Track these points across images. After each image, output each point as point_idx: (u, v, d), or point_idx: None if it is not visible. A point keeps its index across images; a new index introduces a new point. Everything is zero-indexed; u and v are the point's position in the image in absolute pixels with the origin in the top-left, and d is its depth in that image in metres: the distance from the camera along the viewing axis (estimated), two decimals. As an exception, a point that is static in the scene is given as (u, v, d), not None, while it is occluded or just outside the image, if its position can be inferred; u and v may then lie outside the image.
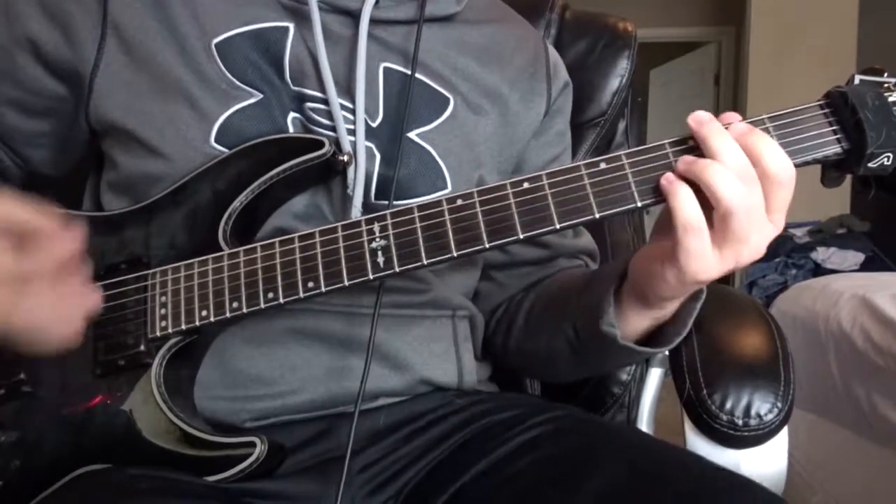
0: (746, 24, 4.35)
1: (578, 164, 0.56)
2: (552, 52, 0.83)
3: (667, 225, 0.55)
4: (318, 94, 0.67)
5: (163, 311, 0.60)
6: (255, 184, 0.63)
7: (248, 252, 0.60)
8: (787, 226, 3.64)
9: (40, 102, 0.70)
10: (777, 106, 0.56)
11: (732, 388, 0.71)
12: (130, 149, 0.67)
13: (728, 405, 0.70)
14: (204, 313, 0.59)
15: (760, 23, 4.23)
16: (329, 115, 0.67)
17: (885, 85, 0.55)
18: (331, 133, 0.66)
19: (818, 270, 3.33)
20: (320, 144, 0.63)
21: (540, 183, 0.56)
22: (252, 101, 0.66)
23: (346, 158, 0.65)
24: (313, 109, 0.67)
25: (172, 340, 0.60)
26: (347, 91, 0.68)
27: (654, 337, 0.67)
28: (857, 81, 0.56)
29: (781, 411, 0.70)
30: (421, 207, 0.57)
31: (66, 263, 0.52)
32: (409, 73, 0.70)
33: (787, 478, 0.75)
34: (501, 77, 0.77)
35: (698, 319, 0.65)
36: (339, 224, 0.59)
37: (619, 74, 1.03)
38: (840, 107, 0.54)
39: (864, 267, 3.31)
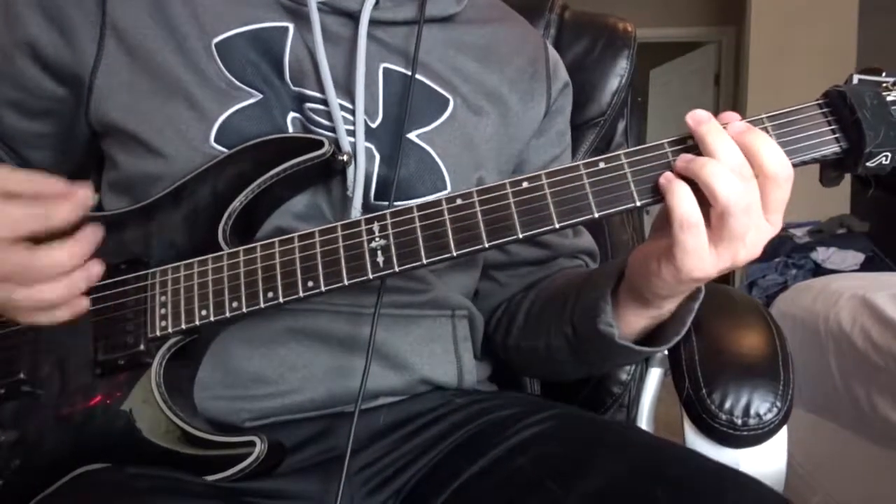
0: (746, 24, 4.35)
1: (577, 163, 0.56)
2: (552, 52, 0.83)
3: (665, 223, 0.55)
4: (318, 95, 0.67)
5: (163, 310, 0.60)
6: (255, 183, 0.63)
7: (247, 252, 0.60)
8: (787, 226, 3.67)
9: (40, 104, 0.70)
10: (777, 106, 0.55)
11: (732, 388, 0.71)
12: (130, 149, 0.67)
13: (727, 405, 0.70)
14: (204, 313, 0.59)
15: (760, 23, 4.23)
16: (329, 115, 0.67)
17: (884, 84, 0.55)
18: (330, 133, 0.67)
19: (818, 270, 3.33)
20: (320, 144, 0.63)
21: (539, 182, 0.56)
22: (252, 101, 0.66)
23: (345, 158, 0.65)
24: (313, 110, 0.67)
25: (172, 340, 0.61)
26: (347, 92, 0.68)
27: (652, 336, 0.67)
28: (855, 81, 0.56)
29: (781, 411, 0.70)
30: (420, 207, 0.58)
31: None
32: (408, 73, 0.70)
33: (787, 478, 0.75)
34: (501, 77, 0.77)
35: (697, 319, 0.65)
36: (338, 224, 0.59)
37: (618, 74, 1.03)
38: (838, 106, 0.54)
39: (864, 267, 3.31)
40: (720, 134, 0.53)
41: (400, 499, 0.66)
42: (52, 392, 0.61)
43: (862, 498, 1.60)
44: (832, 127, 0.55)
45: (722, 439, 0.71)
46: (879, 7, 4.25)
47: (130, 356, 0.60)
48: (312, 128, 0.67)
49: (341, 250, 0.58)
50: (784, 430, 0.72)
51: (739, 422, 0.70)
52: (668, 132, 0.55)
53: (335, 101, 0.66)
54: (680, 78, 5.41)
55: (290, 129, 0.67)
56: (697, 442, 0.72)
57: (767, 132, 0.54)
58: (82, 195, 0.54)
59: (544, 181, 0.56)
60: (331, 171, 0.66)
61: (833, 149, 0.55)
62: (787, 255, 3.48)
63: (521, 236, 0.56)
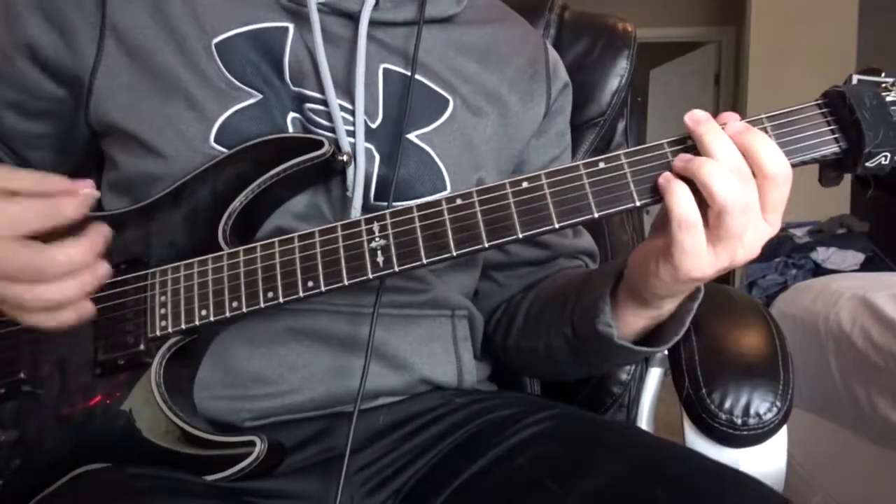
0: (746, 24, 4.35)
1: (577, 163, 0.56)
2: (552, 52, 0.83)
3: (664, 223, 0.55)
4: (318, 95, 0.67)
5: (163, 310, 0.60)
6: (255, 183, 0.63)
7: (247, 252, 0.60)
8: (787, 226, 3.67)
9: (40, 105, 0.70)
10: (777, 106, 0.56)
11: (732, 388, 0.71)
12: (130, 149, 0.67)
13: (727, 404, 0.70)
14: (203, 313, 0.59)
15: (760, 23, 4.24)
16: (328, 115, 0.67)
17: (883, 85, 0.55)
18: (330, 134, 0.67)
19: (818, 270, 3.33)
20: (320, 144, 0.63)
21: (539, 182, 0.56)
22: (252, 101, 0.66)
23: (345, 158, 0.65)
24: (313, 110, 0.67)
25: (172, 340, 0.61)
26: (347, 92, 0.68)
27: (652, 336, 0.67)
28: (854, 81, 0.56)
29: (781, 411, 0.70)
30: (420, 207, 0.58)
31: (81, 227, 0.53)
32: (408, 74, 0.70)
33: (787, 478, 0.75)
34: (501, 78, 0.77)
35: (697, 319, 0.65)
36: (338, 224, 0.59)
37: (618, 74, 1.03)
38: (838, 106, 0.54)
39: (864, 267, 3.31)
40: (718, 134, 0.53)
41: (399, 498, 0.66)
42: (52, 392, 0.61)
43: (862, 498, 1.60)
44: (831, 127, 0.55)
45: (722, 439, 0.71)
46: (879, 7, 4.25)
47: (130, 356, 0.60)
48: (312, 128, 0.67)
49: (341, 250, 0.58)
50: (784, 430, 0.72)
51: (739, 421, 0.70)
52: (668, 132, 0.55)
53: (335, 101, 0.66)
54: (680, 78, 5.41)
55: (290, 130, 0.67)
56: (697, 442, 0.72)
57: (767, 132, 0.54)
58: (87, 191, 0.53)
59: (544, 181, 0.56)
60: (331, 171, 0.66)
61: (832, 149, 0.55)
62: (787, 255, 3.49)
63: (520, 236, 0.56)
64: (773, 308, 1.92)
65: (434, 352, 0.72)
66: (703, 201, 0.53)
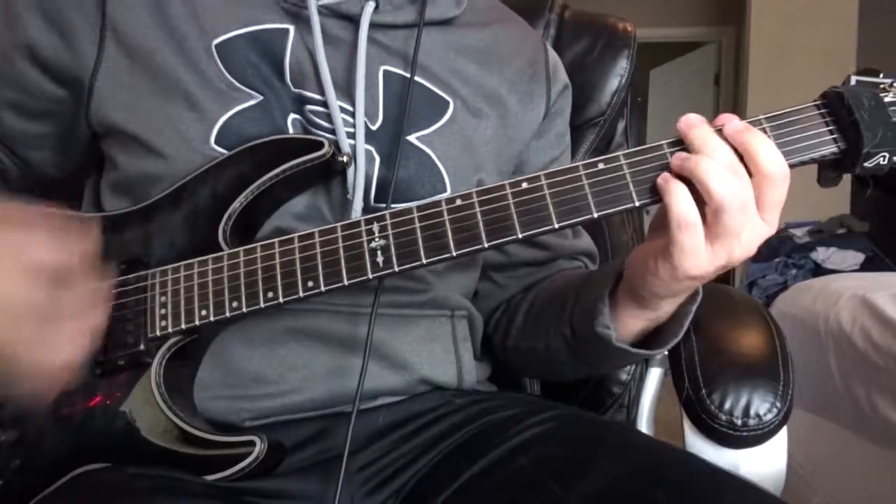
0: (746, 24, 4.35)
1: (577, 164, 0.56)
2: (552, 53, 0.83)
3: (663, 222, 0.56)
4: (318, 97, 0.67)
5: (163, 310, 0.60)
6: (255, 184, 0.63)
7: (247, 252, 0.60)
8: (787, 226, 3.67)
9: (40, 105, 0.70)
10: (777, 106, 0.56)
11: (731, 388, 0.71)
12: (131, 150, 0.67)
13: (727, 405, 0.70)
14: (204, 313, 0.60)
15: (760, 23, 4.24)
16: (329, 117, 0.67)
17: (881, 85, 0.55)
18: (330, 136, 0.67)
19: (818, 270, 3.33)
20: (320, 145, 0.63)
21: (538, 183, 0.56)
22: (252, 102, 0.66)
23: (345, 159, 0.65)
24: (313, 112, 0.67)
25: (172, 340, 0.61)
26: (347, 94, 0.68)
27: (651, 338, 0.67)
28: (853, 82, 0.56)
29: (781, 411, 0.70)
30: (420, 208, 0.58)
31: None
32: (408, 76, 0.70)
33: (787, 478, 0.75)
34: (501, 79, 0.77)
35: (697, 319, 0.65)
36: (338, 224, 0.59)
37: (618, 74, 1.03)
38: (836, 107, 0.55)
39: (864, 267, 3.31)
40: (711, 135, 0.54)
41: (400, 499, 0.66)
42: (52, 392, 0.61)
43: (862, 498, 1.60)
44: (830, 128, 0.55)
45: (722, 440, 0.71)
46: (879, 7, 4.25)
47: (130, 356, 0.60)
48: (313, 129, 0.67)
49: (341, 250, 0.58)
50: (784, 431, 0.72)
51: (739, 422, 0.70)
52: (668, 132, 0.55)
53: (335, 103, 0.66)
54: (680, 78, 5.41)
55: (291, 131, 0.67)
56: (697, 442, 0.72)
57: (766, 133, 0.55)
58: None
59: (543, 182, 0.56)
60: (331, 172, 0.66)
61: (831, 149, 0.55)
62: (787, 255, 3.49)
63: (520, 236, 0.56)
64: (773, 308, 1.92)
65: (434, 352, 0.72)
66: (701, 200, 0.53)
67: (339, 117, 0.66)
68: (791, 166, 0.54)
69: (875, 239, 3.50)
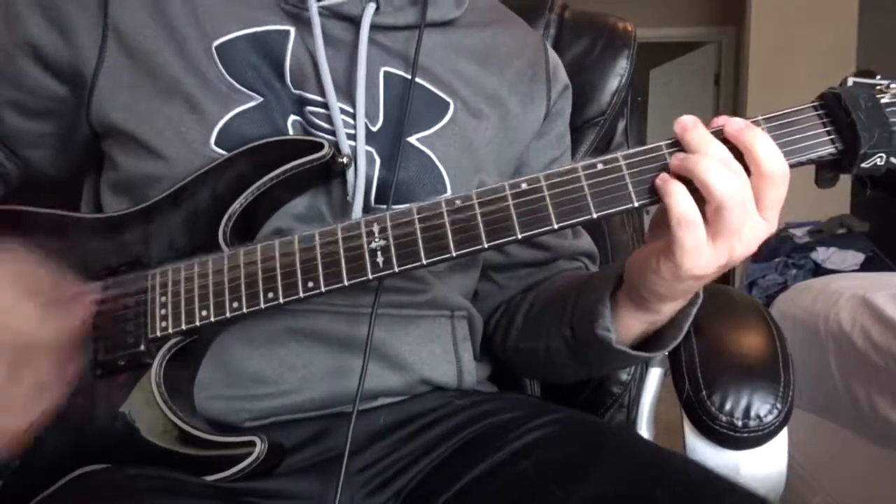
0: (746, 24, 4.35)
1: (576, 165, 0.56)
2: (552, 54, 0.83)
3: (662, 222, 0.56)
4: (319, 98, 0.67)
5: (163, 311, 0.60)
6: (255, 185, 0.63)
7: (247, 253, 0.60)
8: (787, 226, 3.67)
9: (41, 104, 0.70)
10: (777, 106, 0.56)
11: (732, 390, 0.71)
12: (131, 150, 0.67)
13: (727, 406, 0.70)
14: (204, 313, 0.59)
15: (760, 23, 4.24)
16: (329, 118, 0.67)
17: (878, 87, 0.56)
18: (331, 137, 0.67)
19: (818, 270, 3.33)
20: (320, 146, 0.63)
21: (538, 184, 0.56)
22: (252, 104, 0.66)
23: (345, 161, 0.65)
24: (314, 113, 0.67)
25: (172, 340, 0.61)
26: (348, 95, 0.68)
27: (651, 340, 0.67)
28: (850, 83, 0.56)
29: (781, 413, 0.70)
30: (420, 209, 0.58)
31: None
32: (409, 77, 0.70)
33: (787, 478, 0.74)
34: (501, 80, 0.77)
35: (697, 320, 0.65)
36: (338, 225, 0.59)
37: (618, 74, 1.03)
38: (834, 108, 0.55)
39: (864, 267, 3.31)
40: (707, 135, 0.54)
41: (400, 500, 0.66)
42: (52, 393, 0.61)
43: (862, 498, 1.60)
44: (827, 129, 0.55)
45: (722, 441, 0.71)
46: (879, 7, 4.25)
47: (130, 357, 0.60)
48: (313, 131, 0.67)
49: (341, 251, 0.58)
50: (785, 432, 0.72)
51: (740, 424, 0.70)
52: (668, 132, 0.56)
53: (336, 104, 0.66)
54: (680, 78, 5.41)
55: (291, 132, 0.67)
56: (697, 443, 0.72)
57: None
58: None
59: (543, 182, 0.56)
60: (330, 173, 0.66)
61: (828, 150, 0.55)
62: (787, 255, 3.49)
63: (519, 237, 0.56)
64: (773, 308, 1.92)
65: (434, 352, 0.72)
66: (700, 199, 0.53)
67: (339, 119, 0.66)
68: (789, 167, 0.54)
69: (875, 239, 3.50)
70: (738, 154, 0.54)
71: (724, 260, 0.55)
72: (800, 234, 3.63)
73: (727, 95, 5.02)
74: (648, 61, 5.48)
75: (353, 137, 0.67)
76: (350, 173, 0.66)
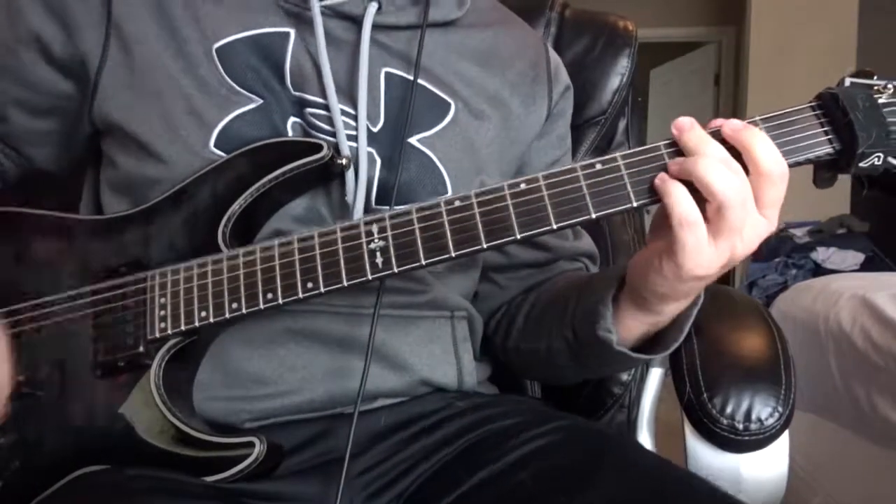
0: (746, 24, 4.35)
1: (574, 165, 0.56)
2: (553, 54, 0.83)
3: (663, 223, 0.56)
4: (319, 100, 0.67)
5: (162, 312, 0.60)
6: (254, 187, 0.63)
7: (247, 253, 0.60)
8: (787, 226, 3.66)
9: (46, 101, 0.70)
10: (777, 106, 0.56)
11: (733, 392, 0.71)
12: (130, 150, 0.67)
13: (728, 409, 0.70)
14: (203, 314, 0.59)
15: (760, 23, 4.23)
16: (329, 120, 0.67)
17: (875, 87, 0.56)
18: (331, 138, 0.66)
19: (818, 270, 3.33)
20: (319, 148, 0.63)
21: (537, 184, 0.56)
22: (252, 106, 0.66)
23: (344, 162, 0.65)
24: (314, 114, 0.67)
25: (172, 341, 0.61)
26: (348, 96, 0.68)
27: (652, 341, 0.67)
28: (847, 83, 0.57)
29: (782, 416, 0.70)
30: (419, 209, 0.58)
31: None
32: (410, 78, 0.70)
33: (788, 479, 0.74)
34: (503, 81, 0.77)
35: (697, 321, 0.65)
36: (337, 225, 0.59)
37: (619, 73, 1.03)
38: (831, 108, 0.55)
39: (864, 267, 3.31)
40: (704, 136, 0.54)
41: (401, 503, 0.66)
42: (52, 393, 0.61)
43: (862, 498, 1.60)
44: (825, 129, 0.56)
45: (723, 444, 0.70)
46: (879, 7, 4.24)
47: (130, 358, 0.60)
48: (313, 132, 0.67)
49: (340, 252, 0.58)
50: (786, 435, 0.71)
51: (741, 427, 0.69)
52: (668, 132, 0.56)
53: (336, 105, 0.66)
54: (680, 78, 5.41)
55: (290, 134, 0.67)
56: (698, 446, 0.72)
57: None
58: None
59: (542, 183, 0.56)
60: (330, 174, 0.66)
61: (826, 150, 0.55)
62: (787, 255, 3.48)
63: (518, 237, 0.56)
64: (773, 308, 1.92)
65: (434, 353, 0.72)
66: (700, 198, 0.53)
67: (340, 120, 0.66)
68: (788, 167, 0.54)
69: (875, 239, 3.50)
70: (737, 154, 0.54)
71: (725, 259, 0.55)
72: (800, 234, 3.63)
73: (727, 95, 5.02)
74: (648, 61, 5.48)
75: (353, 138, 0.67)
76: (349, 174, 0.66)
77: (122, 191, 0.68)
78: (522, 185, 0.56)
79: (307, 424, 0.67)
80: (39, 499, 0.58)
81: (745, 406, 0.70)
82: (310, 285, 0.58)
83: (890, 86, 0.56)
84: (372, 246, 0.58)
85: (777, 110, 0.56)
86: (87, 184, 0.76)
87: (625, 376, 0.94)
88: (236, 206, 0.63)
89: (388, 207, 0.65)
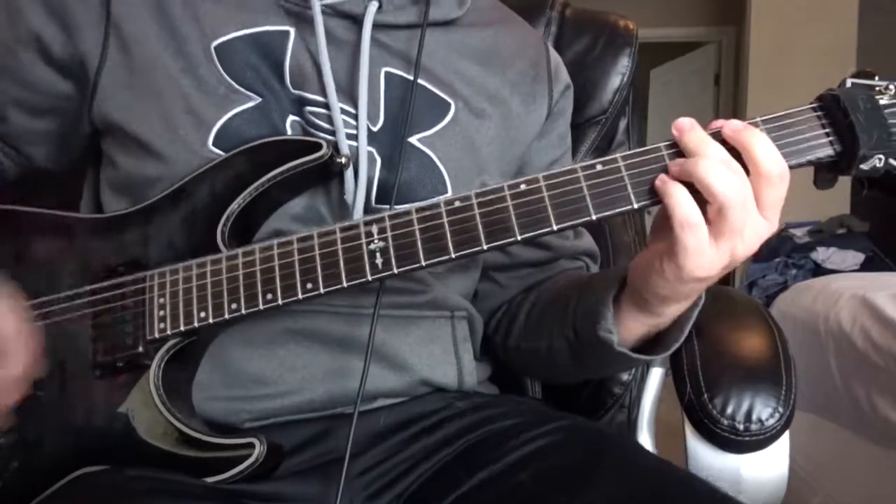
0: (746, 24, 4.35)
1: (575, 166, 0.56)
2: (553, 54, 0.83)
3: (663, 224, 0.56)
4: (319, 98, 0.67)
5: (161, 312, 0.60)
6: (253, 186, 0.63)
7: (246, 254, 0.60)
8: (787, 226, 3.66)
9: (46, 101, 0.70)
10: (777, 106, 0.56)
11: (733, 393, 0.71)
12: (129, 150, 0.67)
13: (729, 410, 0.70)
14: (202, 315, 0.59)
15: (760, 23, 4.23)
16: (329, 118, 0.67)
17: (877, 88, 0.56)
18: (330, 137, 0.66)
19: (818, 270, 3.33)
20: (318, 147, 0.63)
21: (537, 185, 0.56)
22: (251, 104, 0.66)
23: (343, 161, 0.65)
24: (313, 113, 0.67)
25: (171, 342, 0.60)
26: (349, 95, 0.68)
27: (652, 342, 0.66)
28: (848, 84, 0.56)
29: (783, 416, 0.70)
30: (419, 210, 0.58)
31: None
32: (410, 77, 0.70)
33: (788, 480, 0.74)
34: (503, 80, 0.77)
35: (698, 322, 0.65)
36: (337, 226, 0.59)
37: (619, 72, 1.03)
38: (832, 109, 0.55)
39: (864, 267, 3.31)
40: (705, 137, 0.54)
41: (401, 503, 0.66)
42: (52, 394, 0.61)
43: (863, 498, 1.60)
44: (826, 130, 0.55)
45: (724, 445, 0.70)
46: (879, 7, 4.24)
47: (129, 358, 0.60)
48: (312, 131, 0.67)
49: (340, 252, 0.58)
50: (786, 435, 0.71)
51: (741, 427, 0.69)
52: (668, 133, 0.56)
53: (336, 104, 0.66)
54: (680, 78, 5.41)
55: (289, 133, 0.66)
56: (698, 447, 0.72)
57: None
58: None
59: (542, 183, 0.56)
60: (329, 173, 0.65)
61: (827, 151, 0.55)
62: (787, 255, 3.48)
63: (518, 238, 0.56)
64: (773, 308, 1.92)
65: (434, 353, 0.72)
66: (700, 199, 0.53)
67: (339, 118, 0.66)
68: (788, 168, 0.54)
69: (875, 239, 3.50)
70: (737, 155, 0.54)
71: (726, 260, 0.55)
72: (800, 234, 3.63)
73: (727, 95, 5.02)
74: (649, 61, 5.48)
75: (353, 138, 0.67)
76: (348, 174, 0.66)
77: (123, 190, 0.68)
78: (523, 186, 0.56)
79: (307, 424, 0.67)
80: (39, 499, 0.58)
81: (745, 406, 0.70)
82: (309, 286, 0.58)
83: (891, 87, 0.56)
84: (372, 247, 0.58)
85: (778, 111, 0.56)
86: (87, 183, 0.76)
87: (625, 376, 0.94)
88: (235, 205, 0.62)
89: (387, 207, 0.65)
